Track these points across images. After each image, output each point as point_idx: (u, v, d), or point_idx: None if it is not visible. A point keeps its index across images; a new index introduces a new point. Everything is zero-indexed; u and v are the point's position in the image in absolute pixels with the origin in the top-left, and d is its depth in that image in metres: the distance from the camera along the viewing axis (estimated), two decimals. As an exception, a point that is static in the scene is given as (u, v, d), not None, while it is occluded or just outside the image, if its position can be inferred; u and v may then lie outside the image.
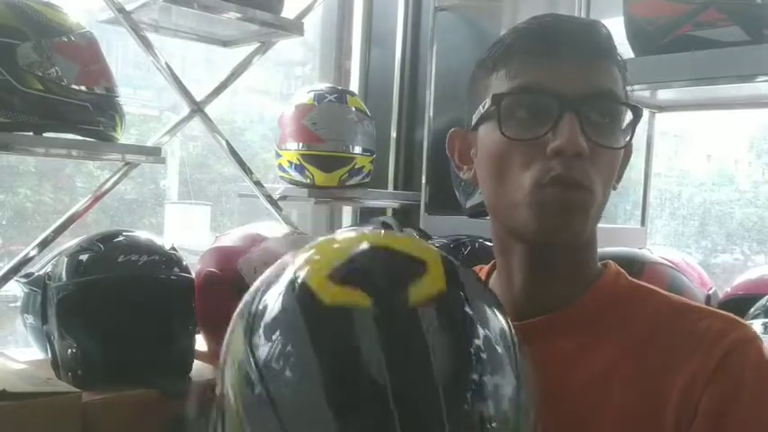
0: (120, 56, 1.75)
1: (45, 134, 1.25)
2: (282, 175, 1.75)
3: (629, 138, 0.70)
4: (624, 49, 1.39)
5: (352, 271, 0.54)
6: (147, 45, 1.52)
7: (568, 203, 0.66)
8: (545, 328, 0.71)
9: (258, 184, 1.73)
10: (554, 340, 0.70)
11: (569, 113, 0.65)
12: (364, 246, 0.57)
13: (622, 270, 0.75)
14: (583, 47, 0.67)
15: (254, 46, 1.74)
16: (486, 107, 0.70)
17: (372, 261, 0.56)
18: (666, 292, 0.72)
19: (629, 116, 0.70)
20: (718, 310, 0.70)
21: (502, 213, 0.71)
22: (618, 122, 0.69)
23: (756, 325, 1.13)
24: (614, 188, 0.72)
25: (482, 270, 0.81)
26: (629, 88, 0.71)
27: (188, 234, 2.00)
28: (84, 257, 1.23)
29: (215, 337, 1.47)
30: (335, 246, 0.60)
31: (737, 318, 0.68)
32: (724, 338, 0.63)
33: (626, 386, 0.65)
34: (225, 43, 1.76)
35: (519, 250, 0.72)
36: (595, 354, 0.68)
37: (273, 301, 0.55)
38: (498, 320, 0.57)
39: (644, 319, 0.69)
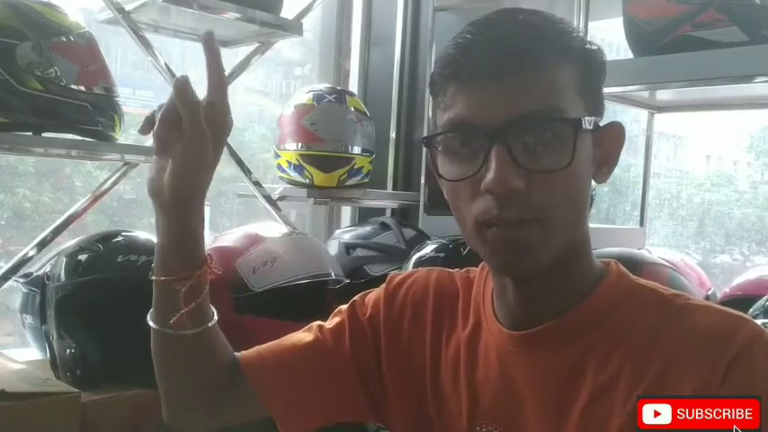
0: (120, 56, 1.75)
1: (44, 134, 1.25)
2: (281, 175, 1.75)
3: (570, 156, 0.61)
4: (623, 49, 1.40)
5: None
6: (146, 45, 1.51)
7: (511, 243, 0.63)
8: (544, 337, 0.68)
9: (257, 184, 1.73)
10: (554, 350, 0.68)
11: (497, 146, 0.61)
12: None
13: (624, 270, 0.71)
14: (508, 63, 0.61)
15: (253, 46, 1.74)
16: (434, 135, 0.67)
17: None
18: (669, 289, 0.69)
19: (586, 116, 0.63)
20: (721, 307, 0.66)
21: (467, 241, 0.68)
22: (562, 136, 0.62)
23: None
24: (600, 182, 0.68)
25: (485, 269, 0.79)
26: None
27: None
28: (83, 257, 1.23)
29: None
30: None
31: (741, 314, 0.64)
32: (730, 340, 0.60)
33: (628, 398, 0.63)
34: (225, 43, 1.76)
35: None
36: (595, 366, 0.65)
37: None
38: None
39: (645, 325, 0.65)
